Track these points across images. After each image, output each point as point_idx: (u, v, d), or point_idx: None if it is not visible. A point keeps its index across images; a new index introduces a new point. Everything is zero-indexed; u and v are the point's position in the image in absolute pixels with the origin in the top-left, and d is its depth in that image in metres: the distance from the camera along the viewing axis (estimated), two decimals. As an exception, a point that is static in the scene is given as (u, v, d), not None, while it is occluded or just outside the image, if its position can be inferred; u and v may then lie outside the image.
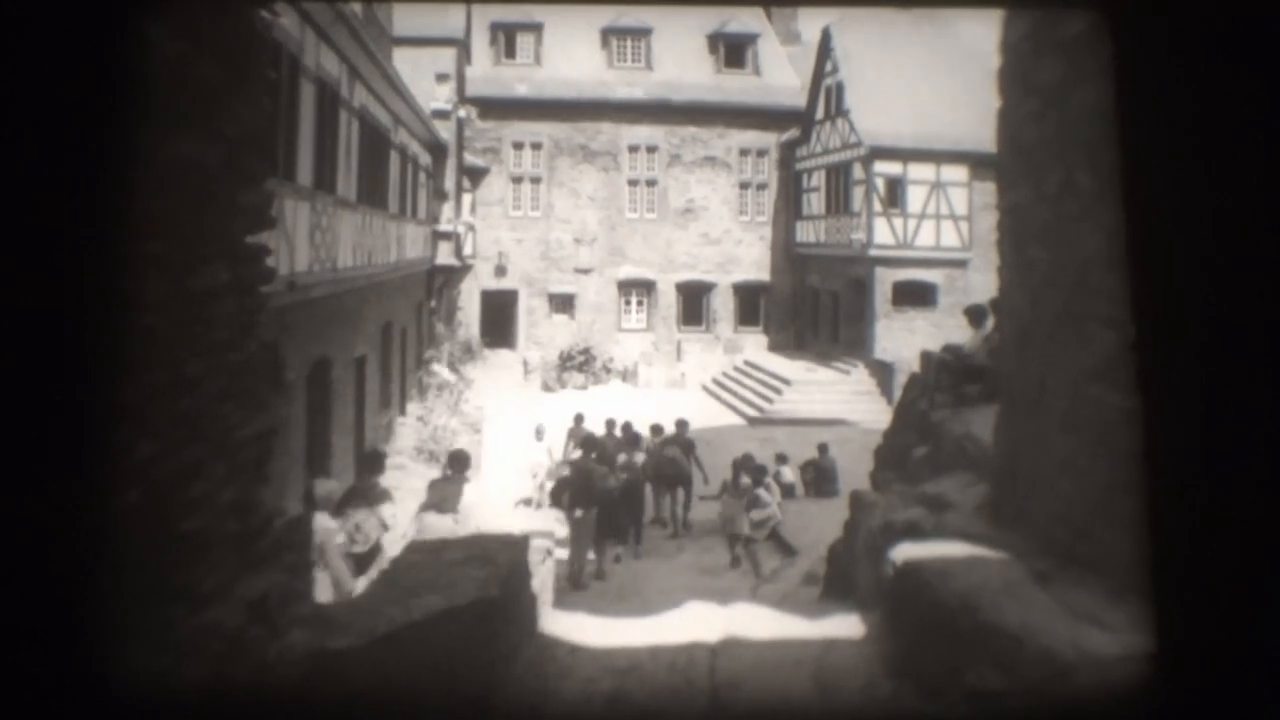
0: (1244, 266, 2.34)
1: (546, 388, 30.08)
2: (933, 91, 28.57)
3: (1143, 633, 2.70)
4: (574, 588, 12.22)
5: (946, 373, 9.53)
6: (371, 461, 9.84)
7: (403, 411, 20.06)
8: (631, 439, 16.56)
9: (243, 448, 4.11)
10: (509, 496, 16.50)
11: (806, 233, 32.60)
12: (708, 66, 34.59)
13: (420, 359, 23.30)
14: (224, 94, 3.91)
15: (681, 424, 17.28)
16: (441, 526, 8.70)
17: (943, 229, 28.59)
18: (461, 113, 28.40)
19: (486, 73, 32.75)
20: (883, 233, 28.32)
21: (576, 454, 14.98)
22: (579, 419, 18.21)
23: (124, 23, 2.55)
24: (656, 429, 17.18)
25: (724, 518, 14.58)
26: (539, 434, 16.80)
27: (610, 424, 17.65)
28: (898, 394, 13.97)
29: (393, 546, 7.71)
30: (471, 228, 30.41)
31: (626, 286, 33.59)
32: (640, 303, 33.79)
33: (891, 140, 28.12)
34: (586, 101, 32.93)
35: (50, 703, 2.23)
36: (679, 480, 16.20)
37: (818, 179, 31.81)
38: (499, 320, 32.72)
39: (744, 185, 34.07)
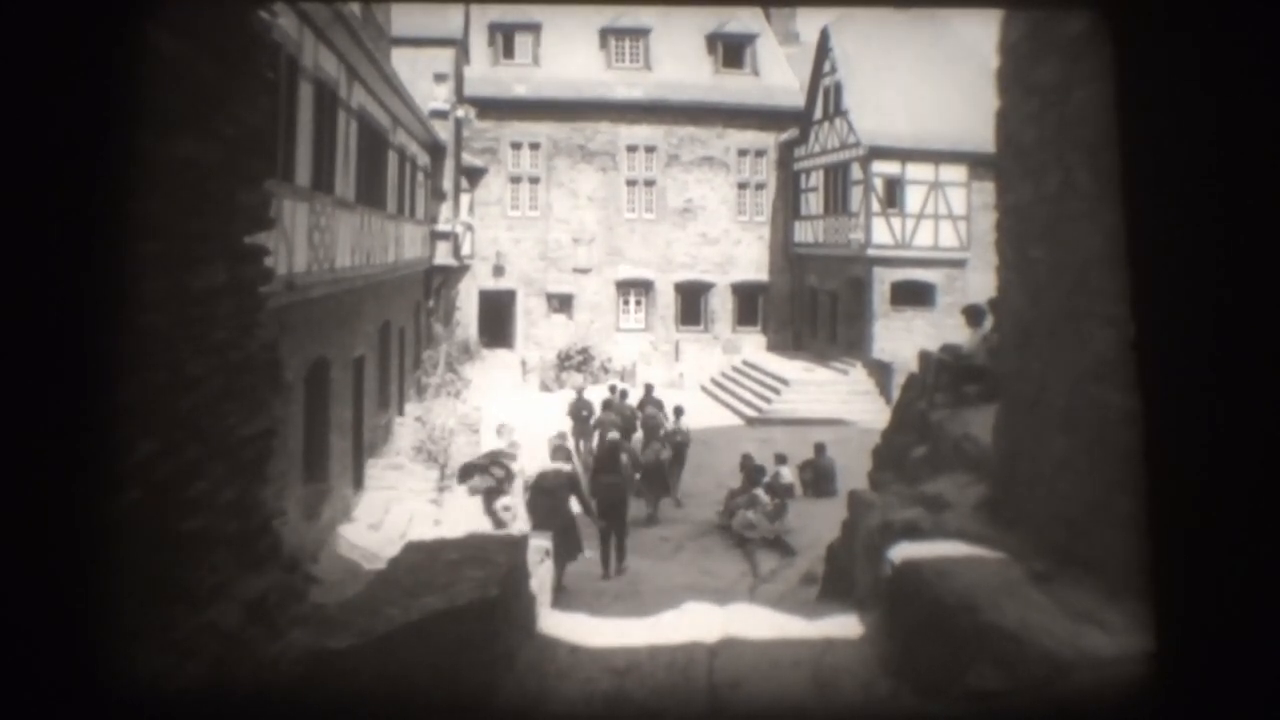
0: (1244, 265, 2.34)
1: (545, 388, 30.05)
2: (931, 91, 28.56)
3: (1141, 632, 2.71)
4: (649, 524, 16.07)
5: (945, 373, 9.54)
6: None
7: (401, 412, 20.05)
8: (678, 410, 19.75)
9: (242, 447, 4.11)
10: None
11: (805, 233, 32.58)
12: (706, 67, 34.56)
13: (419, 359, 23.29)
14: (223, 94, 3.91)
15: (649, 387, 21.92)
16: None
17: (941, 229, 28.57)
18: (460, 113, 28.38)
19: (485, 73, 32.72)
20: (881, 233, 28.31)
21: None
22: (623, 394, 21.52)
23: (123, 23, 2.55)
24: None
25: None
26: (500, 432, 15.51)
27: (649, 388, 21.69)
28: (896, 394, 13.97)
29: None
30: (470, 228, 30.38)
31: (625, 286, 33.56)
32: (638, 303, 33.77)
33: (890, 140, 28.10)
34: (585, 102, 32.90)
35: (50, 702, 2.23)
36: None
37: (816, 179, 31.79)
38: (497, 320, 32.69)
39: (742, 185, 34.04)
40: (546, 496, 12.11)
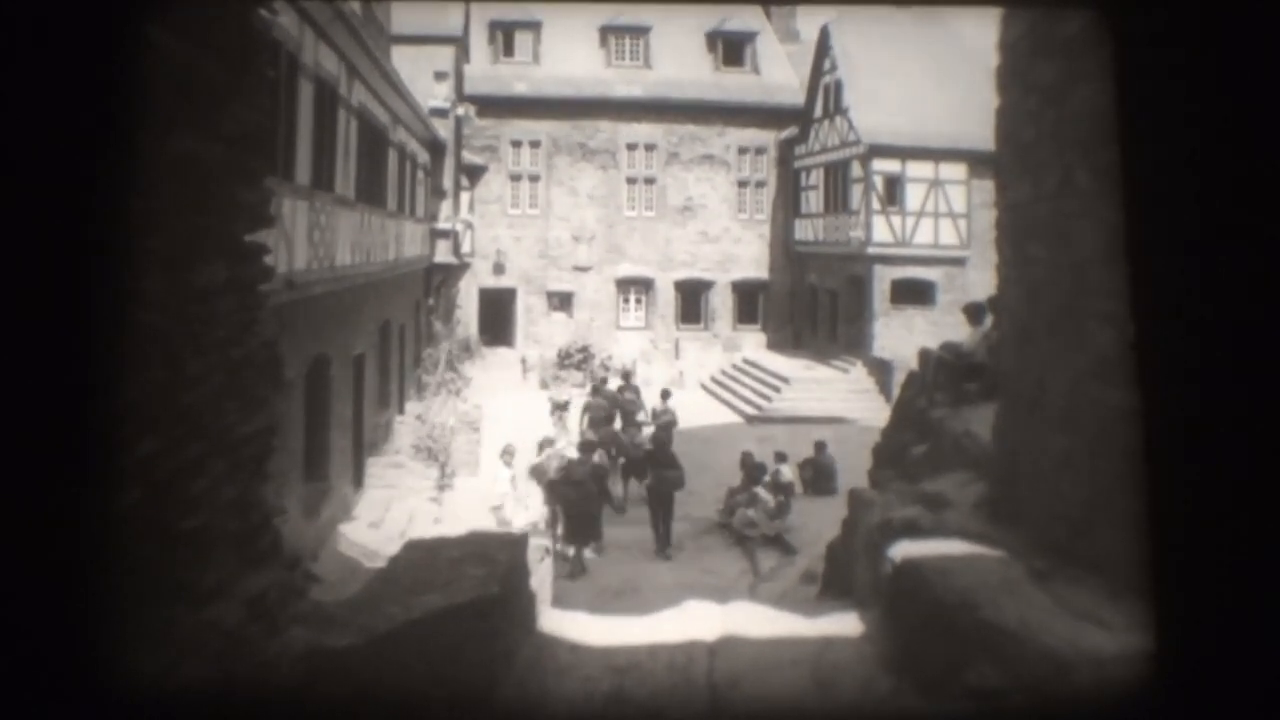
0: (1243, 264, 2.34)
1: (545, 386, 30.05)
2: (931, 89, 28.53)
3: (1141, 631, 2.71)
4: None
5: (945, 371, 9.53)
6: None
7: (401, 410, 20.05)
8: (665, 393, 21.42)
9: (243, 445, 4.11)
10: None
11: (805, 230, 32.57)
12: (706, 64, 34.54)
13: (419, 357, 23.29)
14: (223, 93, 3.91)
15: (628, 374, 23.85)
16: None
17: (941, 227, 28.56)
18: (460, 111, 28.35)
19: (485, 71, 32.69)
20: (881, 230, 28.29)
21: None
22: (603, 380, 23.52)
23: (124, 22, 2.55)
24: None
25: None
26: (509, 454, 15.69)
27: (627, 375, 23.52)
28: (896, 392, 13.97)
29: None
30: (470, 226, 30.36)
31: (625, 284, 33.54)
32: (639, 301, 33.76)
33: (890, 138, 28.08)
34: (585, 99, 32.87)
35: (50, 702, 2.23)
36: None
37: (816, 177, 31.78)
38: (497, 318, 32.67)
39: (742, 183, 34.03)
40: (574, 487, 13.28)
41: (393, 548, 8.01)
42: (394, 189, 19.59)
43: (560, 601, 8.31)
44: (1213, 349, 2.37)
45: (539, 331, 32.72)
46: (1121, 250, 2.64)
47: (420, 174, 24.51)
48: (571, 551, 13.12)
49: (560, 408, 21.65)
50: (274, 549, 4.52)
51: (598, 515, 13.62)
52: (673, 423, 19.65)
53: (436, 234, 26.58)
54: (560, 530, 13.81)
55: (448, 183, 27.95)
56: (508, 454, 15.18)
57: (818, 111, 31.55)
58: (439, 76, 26.72)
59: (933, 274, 28.50)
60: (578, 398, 22.43)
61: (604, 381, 23.15)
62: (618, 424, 19.62)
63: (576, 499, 13.39)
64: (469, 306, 31.96)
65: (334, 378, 13.55)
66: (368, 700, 4.14)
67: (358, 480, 15.46)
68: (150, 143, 3.07)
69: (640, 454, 16.87)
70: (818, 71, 31.54)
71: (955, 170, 28.37)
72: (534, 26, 33.52)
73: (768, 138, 33.95)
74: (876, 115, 28.42)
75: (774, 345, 33.33)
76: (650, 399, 21.57)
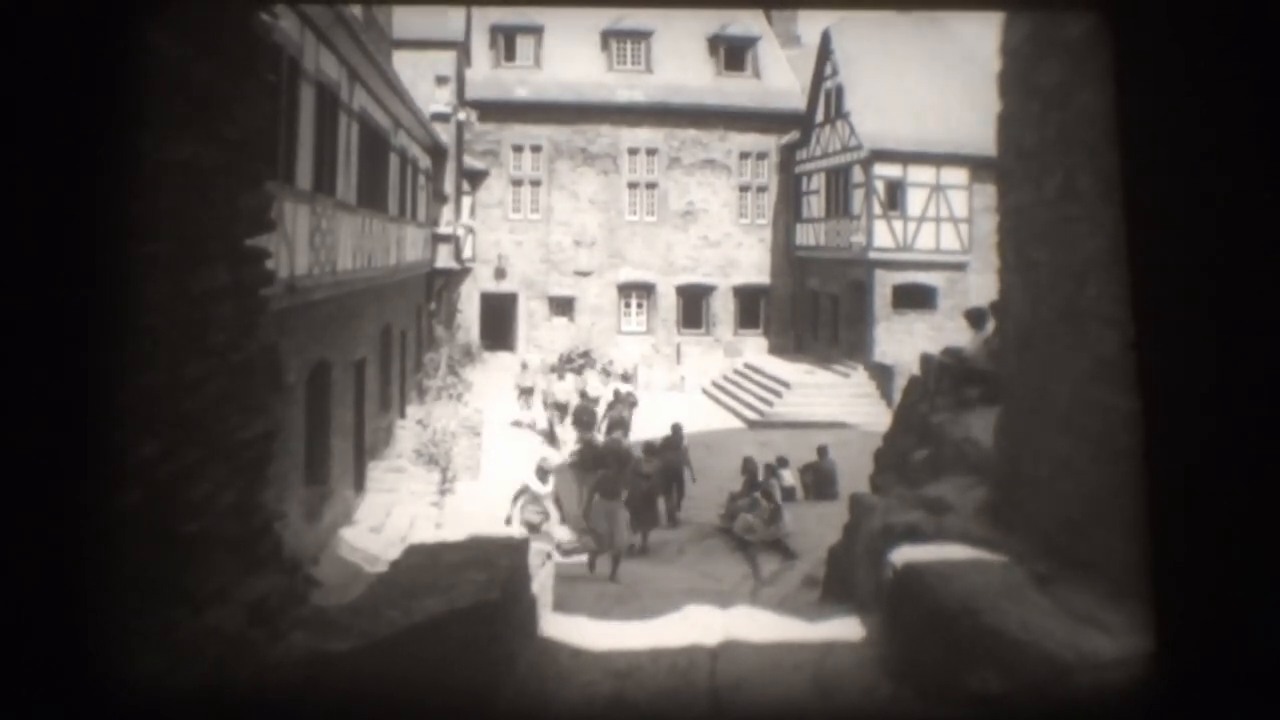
0: (1244, 267, 2.34)
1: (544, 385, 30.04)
2: (933, 94, 28.57)
3: (1142, 634, 2.70)
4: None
5: (947, 375, 9.52)
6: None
7: (402, 414, 20.05)
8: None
9: (243, 450, 4.11)
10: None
11: (806, 235, 32.59)
12: (708, 69, 34.59)
13: (420, 362, 23.30)
14: (224, 96, 3.91)
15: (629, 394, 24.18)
16: None
17: (943, 231, 28.57)
18: (461, 115, 28.36)
19: (486, 75, 32.74)
20: (882, 235, 28.31)
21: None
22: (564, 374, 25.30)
23: (125, 26, 2.56)
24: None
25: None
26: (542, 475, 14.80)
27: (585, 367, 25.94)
28: (897, 397, 13.95)
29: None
30: (471, 230, 30.36)
31: (626, 289, 33.58)
32: (640, 305, 33.78)
33: (891, 143, 28.10)
34: (586, 104, 32.93)
35: (51, 703, 2.23)
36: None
37: (817, 182, 31.80)
38: (499, 323, 32.69)
39: (744, 188, 34.06)
40: (644, 479, 14.81)
41: (393, 552, 8.01)
42: (395, 193, 19.59)
43: (561, 606, 8.30)
44: (1212, 351, 2.37)
45: (540, 336, 32.74)
46: (1123, 254, 2.64)
47: (421, 179, 24.52)
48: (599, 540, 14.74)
49: (526, 393, 24.46)
50: (274, 553, 4.52)
51: (656, 506, 15.28)
52: (635, 404, 22.39)
53: (438, 239, 26.58)
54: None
55: (449, 187, 27.95)
56: (543, 470, 14.06)
57: (819, 116, 31.58)
58: (440, 81, 26.73)
59: (934, 279, 28.51)
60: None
61: (563, 375, 25.89)
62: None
63: (646, 490, 14.79)
64: (470, 311, 31.99)
65: (335, 382, 13.54)
66: (368, 705, 4.13)
67: (359, 485, 15.45)
68: (151, 147, 3.08)
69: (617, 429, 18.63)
70: (819, 76, 31.57)
71: (957, 175, 28.39)
72: (535, 31, 33.58)
73: (769, 142, 33.99)
74: (878, 120, 28.44)
75: (775, 350, 33.34)
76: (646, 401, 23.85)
